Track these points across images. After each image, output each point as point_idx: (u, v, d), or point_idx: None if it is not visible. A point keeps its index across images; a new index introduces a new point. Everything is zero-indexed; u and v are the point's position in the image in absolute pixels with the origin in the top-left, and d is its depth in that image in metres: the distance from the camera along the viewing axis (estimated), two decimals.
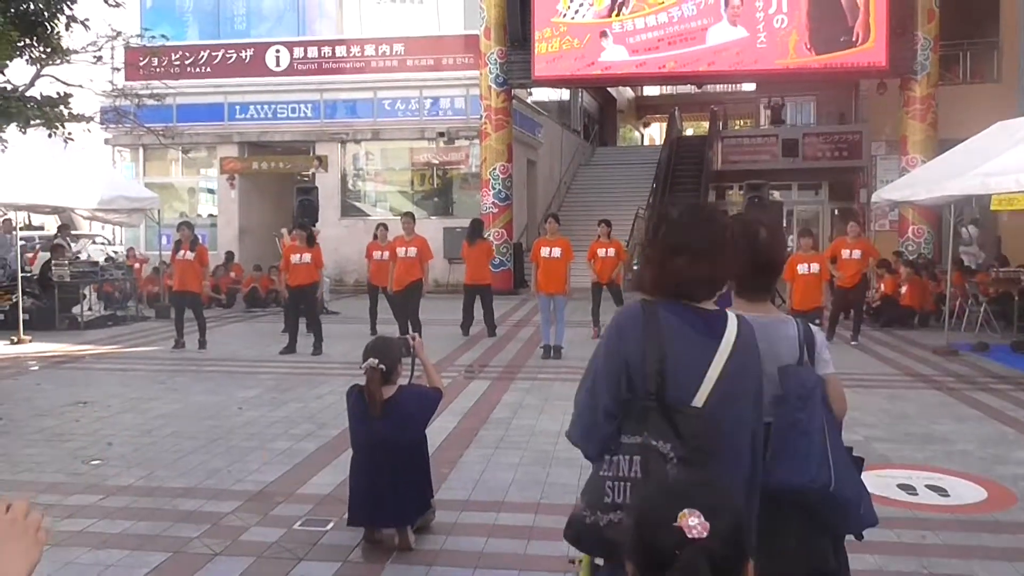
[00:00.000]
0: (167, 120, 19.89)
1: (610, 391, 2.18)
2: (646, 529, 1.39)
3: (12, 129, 6.54)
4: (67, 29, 6.82)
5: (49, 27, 6.54)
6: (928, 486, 5.62)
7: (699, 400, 2.11)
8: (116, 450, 6.53)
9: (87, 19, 6.93)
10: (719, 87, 32.98)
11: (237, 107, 22.03)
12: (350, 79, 21.43)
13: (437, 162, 21.92)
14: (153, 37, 16.84)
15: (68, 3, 6.43)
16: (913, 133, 17.55)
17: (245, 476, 5.86)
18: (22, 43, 5.80)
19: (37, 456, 6.33)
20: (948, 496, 5.46)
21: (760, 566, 2.28)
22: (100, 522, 4.93)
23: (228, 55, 21.86)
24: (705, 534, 1.32)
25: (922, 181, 12.53)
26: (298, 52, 21.68)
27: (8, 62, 5.47)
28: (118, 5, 6.96)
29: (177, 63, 21.48)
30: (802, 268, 10.42)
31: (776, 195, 23.84)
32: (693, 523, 1.32)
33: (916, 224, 17.09)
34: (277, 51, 21.68)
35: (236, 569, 4.29)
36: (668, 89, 36.71)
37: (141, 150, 22.81)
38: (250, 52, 21.81)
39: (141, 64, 20.71)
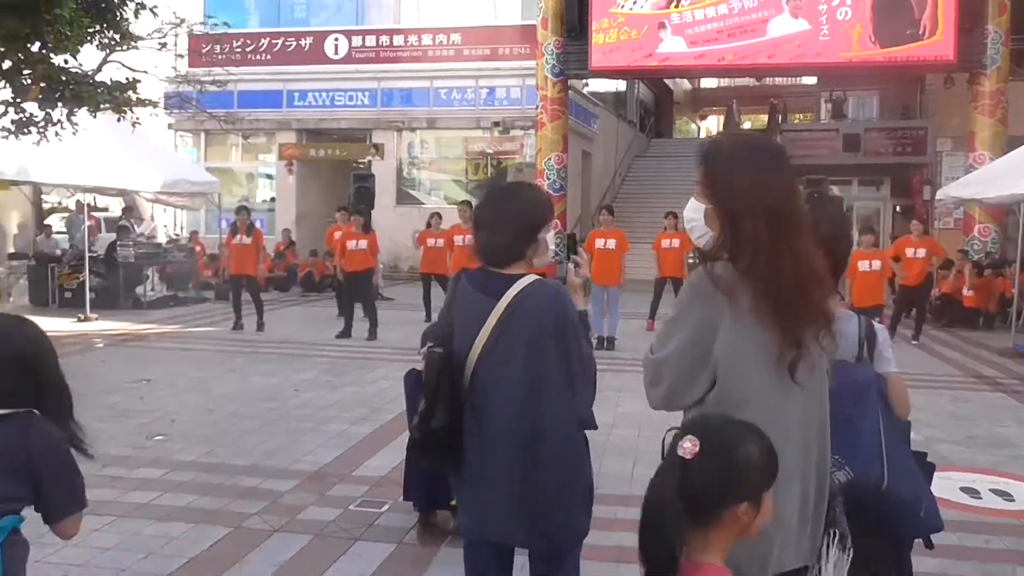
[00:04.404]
0: (228, 106, 20.20)
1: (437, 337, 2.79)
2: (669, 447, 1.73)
3: (82, 113, 6.72)
4: (136, 16, 6.97)
5: (118, 13, 6.67)
6: (992, 490, 5.49)
7: (474, 353, 2.53)
8: (178, 427, 6.69)
9: (155, 6, 7.10)
10: (778, 80, 32.46)
11: (296, 94, 22.32)
12: (407, 68, 21.57)
13: (491, 151, 21.97)
14: (216, 24, 17.16)
15: None
16: (981, 129, 17.03)
17: (302, 456, 5.96)
18: (93, 29, 5.95)
19: (104, 430, 6.51)
20: (1013, 501, 5.32)
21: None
22: (164, 495, 5.06)
23: (288, 43, 22.15)
24: (689, 456, 1.64)
25: (990, 178, 12.19)
26: (356, 41, 21.87)
27: (80, 47, 5.62)
28: None
29: (238, 50, 21.81)
30: (863, 265, 10.23)
31: (835, 190, 23.42)
32: (686, 445, 1.65)
33: (983, 223, 16.61)
34: (336, 39, 21.90)
35: (294, 546, 4.37)
36: (726, 81, 36.22)
37: (203, 135, 23.26)
38: (309, 40, 22.07)
39: (203, 51, 21.11)
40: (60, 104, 6.15)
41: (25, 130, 6.60)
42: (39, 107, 6.32)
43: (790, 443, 2.02)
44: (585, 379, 2.65)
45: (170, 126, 22.88)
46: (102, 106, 6.50)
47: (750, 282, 2.01)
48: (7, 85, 6.26)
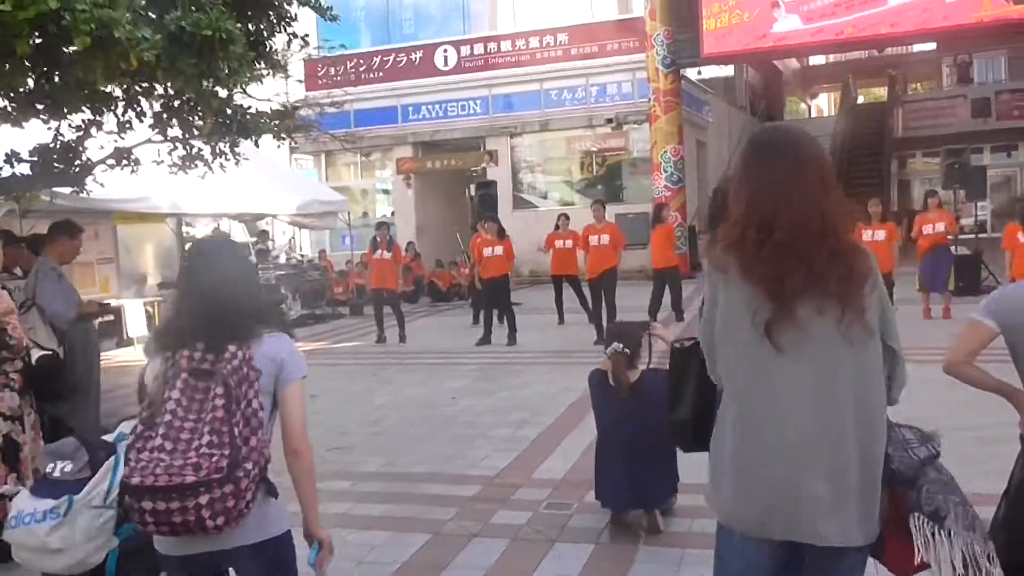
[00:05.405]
0: (345, 126, 20.84)
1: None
2: None
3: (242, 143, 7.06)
4: (288, 46, 7.26)
5: (268, 45, 6.95)
6: None
7: None
8: (352, 438, 6.92)
9: (307, 35, 7.37)
10: (893, 49, 31.11)
11: (410, 108, 22.80)
12: (516, 72, 21.70)
13: (595, 149, 21.86)
14: (332, 47, 17.69)
15: (289, 20, 6.85)
16: None
17: (477, 462, 6.07)
18: (251, 61, 6.23)
19: (281, 444, 6.79)
20: None
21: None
22: (359, 505, 5.25)
23: (399, 59, 22.66)
24: None
25: None
26: (465, 50, 22.17)
27: (247, 81, 5.92)
28: (335, 19, 7.31)
29: (352, 70, 22.50)
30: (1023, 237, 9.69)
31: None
32: None
33: None
34: (445, 51, 22.26)
35: (495, 550, 4.45)
36: (836, 56, 34.96)
37: (323, 156, 24.05)
38: (419, 54, 22.52)
39: (319, 74, 21.88)
40: (226, 137, 6.48)
41: (193, 164, 6.97)
42: (205, 141, 6.67)
43: (787, 417, 2.12)
44: None
45: (292, 149, 23.70)
46: (263, 135, 6.82)
47: (734, 253, 2.16)
48: (176, 123, 6.62)
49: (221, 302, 2.42)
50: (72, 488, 2.61)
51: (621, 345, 4.49)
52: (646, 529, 4.57)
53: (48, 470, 2.73)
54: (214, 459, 2.23)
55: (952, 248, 11.78)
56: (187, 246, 18.95)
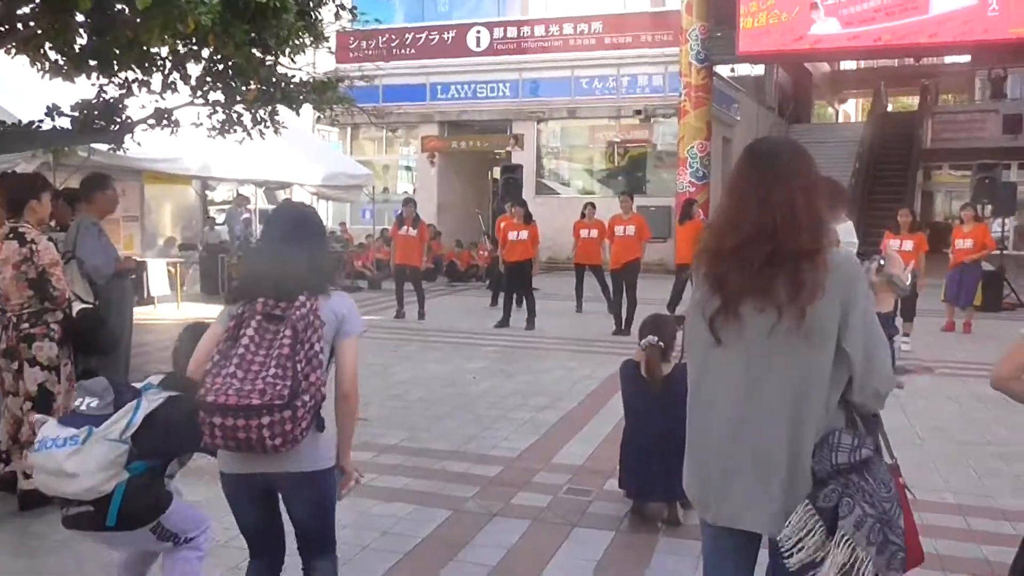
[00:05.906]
0: (374, 100, 20.84)
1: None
2: None
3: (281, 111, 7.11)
4: (336, 17, 7.28)
5: (313, 16, 6.97)
6: None
7: None
8: (375, 411, 6.96)
9: (354, 7, 7.40)
10: (926, 59, 30.85)
11: (439, 87, 22.77)
12: (548, 58, 21.63)
13: (620, 140, 21.82)
14: (367, 21, 17.69)
15: None
16: None
17: (498, 443, 6.13)
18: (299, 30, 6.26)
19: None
20: None
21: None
22: (381, 477, 5.31)
23: (431, 37, 22.62)
24: None
25: None
26: (498, 32, 22.11)
27: (295, 51, 5.95)
28: None
29: (384, 45, 22.49)
30: None
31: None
32: None
33: None
34: (478, 32, 22.21)
35: (516, 530, 4.50)
36: (867, 62, 34.67)
37: (349, 130, 24.06)
38: (452, 33, 22.47)
39: (351, 47, 21.88)
40: (269, 104, 6.53)
41: (232, 129, 7.02)
42: (247, 107, 6.72)
43: (721, 405, 2.30)
44: None
45: (317, 120, 23.71)
46: (305, 104, 6.87)
47: (701, 255, 2.37)
48: (220, 88, 6.67)
49: (297, 259, 2.73)
50: (94, 421, 2.82)
51: (656, 338, 4.52)
52: (666, 520, 4.62)
53: (76, 404, 2.93)
54: (278, 387, 2.54)
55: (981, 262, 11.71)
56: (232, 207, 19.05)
